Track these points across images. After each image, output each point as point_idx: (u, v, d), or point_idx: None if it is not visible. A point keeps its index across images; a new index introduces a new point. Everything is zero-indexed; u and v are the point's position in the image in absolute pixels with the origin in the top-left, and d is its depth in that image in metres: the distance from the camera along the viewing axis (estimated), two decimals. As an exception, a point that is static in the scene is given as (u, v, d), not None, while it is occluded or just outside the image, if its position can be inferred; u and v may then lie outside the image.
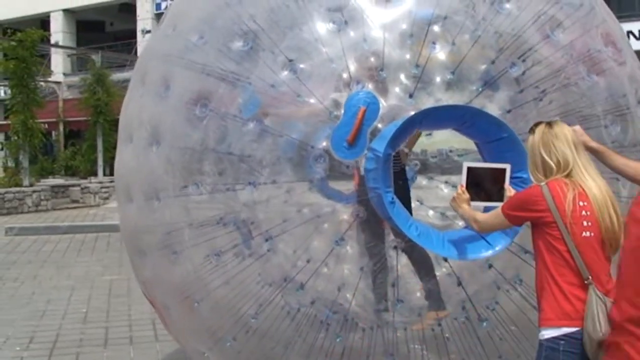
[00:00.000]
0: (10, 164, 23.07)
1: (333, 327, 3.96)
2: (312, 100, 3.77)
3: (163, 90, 4.23)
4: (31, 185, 21.47)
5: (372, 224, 3.86)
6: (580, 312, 2.99)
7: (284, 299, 3.96)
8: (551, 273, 3.09)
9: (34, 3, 34.99)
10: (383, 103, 3.73)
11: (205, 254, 3.97)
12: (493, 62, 3.90)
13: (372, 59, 3.80)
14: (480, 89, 3.89)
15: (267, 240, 3.84)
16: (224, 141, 3.90)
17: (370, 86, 3.76)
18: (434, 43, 3.83)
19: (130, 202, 4.51)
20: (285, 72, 3.80)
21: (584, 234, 3.06)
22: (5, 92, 31.20)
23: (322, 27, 3.87)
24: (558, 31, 4.03)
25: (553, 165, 3.15)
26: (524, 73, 3.90)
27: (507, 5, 3.95)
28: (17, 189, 20.63)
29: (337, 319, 3.97)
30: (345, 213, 3.94)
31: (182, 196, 4.04)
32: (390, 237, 3.97)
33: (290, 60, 3.79)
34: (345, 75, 3.77)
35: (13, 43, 21.32)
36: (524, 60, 3.91)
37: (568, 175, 3.14)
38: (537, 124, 3.29)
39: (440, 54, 3.87)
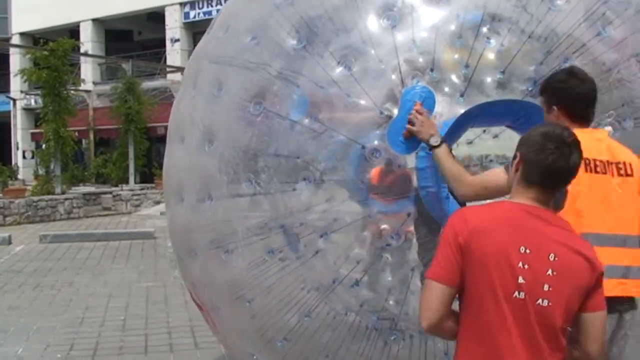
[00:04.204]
0: (41, 171, 23.32)
1: (384, 330, 3.91)
2: (362, 101, 3.76)
3: (216, 91, 4.25)
4: (63, 193, 21.71)
5: (427, 220, 3.80)
6: None
7: (329, 305, 3.90)
8: None
9: (63, 13, 35.49)
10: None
11: (259, 252, 3.97)
12: (541, 63, 3.84)
13: (421, 60, 3.77)
14: (530, 89, 3.82)
15: (320, 237, 3.81)
16: (275, 140, 3.91)
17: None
18: (485, 42, 3.80)
19: (180, 202, 4.53)
20: (339, 70, 3.80)
21: None
22: (36, 101, 31.65)
23: (374, 26, 3.86)
24: (609, 28, 3.97)
25: None
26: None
27: (559, 2, 3.92)
28: (50, 196, 20.89)
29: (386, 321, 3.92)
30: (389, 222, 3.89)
31: (236, 194, 4.05)
32: None
33: (344, 58, 3.80)
34: (395, 76, 3.74)
35: (45, 52, 21.59)
36: (577, 57, 3.85)
37: None
38: None
39: (490, 53, 3.82)
